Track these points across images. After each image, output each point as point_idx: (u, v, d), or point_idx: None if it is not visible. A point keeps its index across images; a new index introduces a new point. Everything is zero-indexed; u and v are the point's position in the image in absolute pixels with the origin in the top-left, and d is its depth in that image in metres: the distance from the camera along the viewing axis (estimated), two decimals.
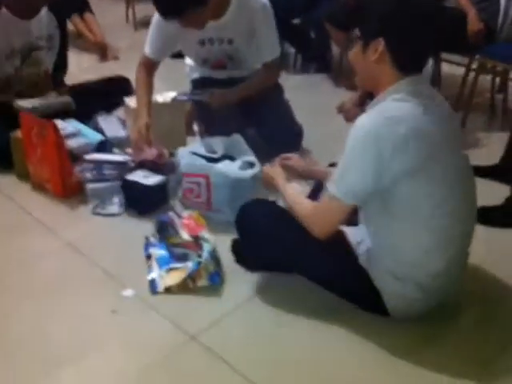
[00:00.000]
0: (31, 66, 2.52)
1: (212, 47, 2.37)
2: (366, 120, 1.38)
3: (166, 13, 2.10)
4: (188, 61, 2.65)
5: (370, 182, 1.37)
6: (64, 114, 2.39)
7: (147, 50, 2.38)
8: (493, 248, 1.91)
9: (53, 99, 2.50)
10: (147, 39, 2.39)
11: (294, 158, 1.85)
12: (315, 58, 3.82)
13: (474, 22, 2.83)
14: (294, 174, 1.81)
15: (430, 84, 1.55)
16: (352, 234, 1.56)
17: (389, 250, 1.47)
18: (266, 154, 2.33)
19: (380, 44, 1.38)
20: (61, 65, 2.69)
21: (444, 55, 3.39)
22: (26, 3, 2.43)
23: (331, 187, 1.42)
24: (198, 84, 2.58)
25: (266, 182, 1.76)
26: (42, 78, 2.57)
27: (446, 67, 3.51)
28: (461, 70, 3.17)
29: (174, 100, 2.43)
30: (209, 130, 2.40)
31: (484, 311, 1.66)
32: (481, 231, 1.79)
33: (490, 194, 2.06)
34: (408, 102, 1.38)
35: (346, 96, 2.91)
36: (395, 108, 1.38)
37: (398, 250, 1.45)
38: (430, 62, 3.40)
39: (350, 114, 3.03)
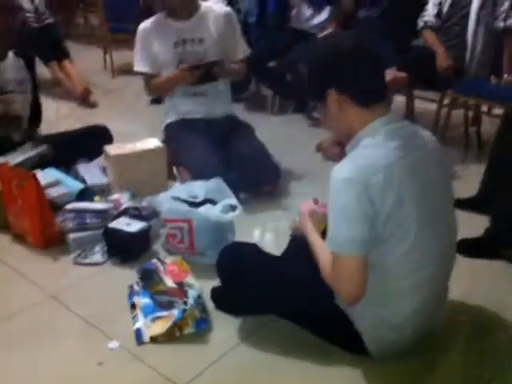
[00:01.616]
0: (2, 108, 2.53)
1: (185, 48, 2.59)
2: (340, 171, 1.37)
3: None
4: (164, 107, 2.74)
5: (362, 228, 1.34)
6: (42, 164, 2.38)
7: (143, 67, 2.62)
8: (477, 278, 1.94)
9: (30, 152, 2.48)
10: (136, 58, 2.64)
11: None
12: (292, 98, 3.90)
13: (442, 59, 2.94)
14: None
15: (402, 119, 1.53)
16: None
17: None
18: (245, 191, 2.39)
19: (332, 93, 1.42)
20: (35, 109, 2.70)
21: (417, 92, 3.49)
22: None
23: (329, 246, 1.39)
24: (175, 128, 2.65)
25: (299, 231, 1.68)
26: (14, 119, 2.58)
27: (419, 104, 3.61)
28: (434, 106, 3.27)
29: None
30: (191, 171, 2.43)
31: (471, 341, 1.67)
32: (465, 262, 1.82)
33: (470, 225, 2.09)
34: (382, 149, 1.38)
35: (324, 134, 2.99)
36: (368, 156, 1.38)
37: (369, 296, 1.41)
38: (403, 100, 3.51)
39: (328, 152, 3.12)
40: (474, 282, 1.93)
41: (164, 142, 2.60)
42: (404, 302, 1.45)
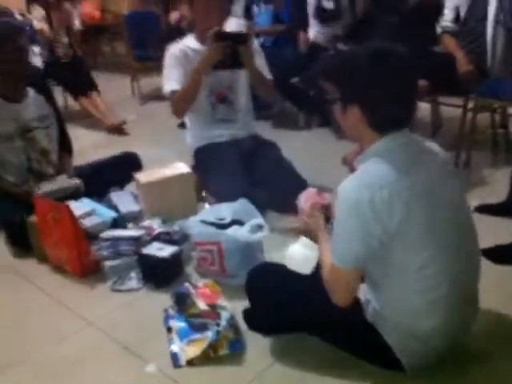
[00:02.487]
0: (27, 148, 2.62)
1: (215, 76, 2.61)
2: (346, 187, 1.39)
3: None
4: (189, 133, 2.79)
5: (360, 247, 1.39)
6: (74, 196, 2.47)
7: (172, 86, 2.58)
8: (510, 286, 1.91)
9: (62, 183, 2.58)
10: (166, 77, 2.62)
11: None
12: (316, 113, 3.93)
13: (463, 64, 2.93)
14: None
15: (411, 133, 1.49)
16: (362, 291, 1.56)
17: (386, 306, 1.48)
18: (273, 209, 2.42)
19: (355, 109, 1.41)
20: (63, 141, 2.80)
21: (441, 98, 3.48)
22: (11, 87, 2.58)
23: (330, 255, 1.45)
24: (201, 154, 2.69)
25: (306, 231, 1.74)
26: (41, 157, 2.67)
27: (445, 109, 3.60)
28: (460, 111, 3.24)
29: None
30: (216, 196, 2.47)
31: (507, 351, 1.64)
32: (496, 269, 1.79)
33: (500, 231, 2.07)
34: (388, 165, 1.38)
35: (349, 147, 3.00)
36: (375, 172, 1.38)
37: (393, 308, 1.45)
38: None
39: (353, 165, 3.13)
40: (507, 290, 1.91)
41: (193, 167, 2.67)
42: (426, 315, 1.45)
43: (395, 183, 1.35)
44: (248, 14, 4.21)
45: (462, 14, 3.08)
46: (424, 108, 3.50)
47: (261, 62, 2.70)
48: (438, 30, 3.14)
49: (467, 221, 1.53)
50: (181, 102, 2.63)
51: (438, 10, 3.22)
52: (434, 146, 1.53)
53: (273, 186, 2.50)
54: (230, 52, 2.47)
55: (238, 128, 2.73)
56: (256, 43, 2.78)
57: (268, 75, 2.73)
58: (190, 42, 2.67)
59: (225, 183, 2.44)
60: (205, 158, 2.66)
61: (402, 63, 1.39)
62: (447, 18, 3.11)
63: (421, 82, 2.88)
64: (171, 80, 2.61)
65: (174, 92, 2.60)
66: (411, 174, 1.39)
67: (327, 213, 1.70)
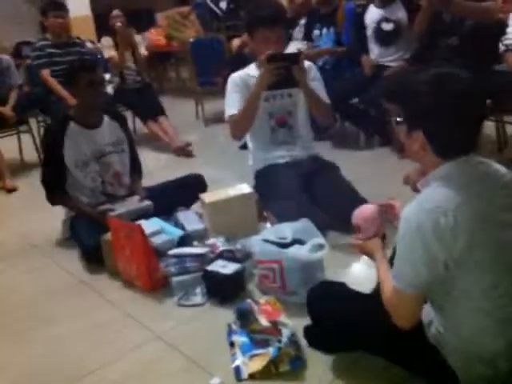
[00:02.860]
0: (101, 171, 2.80)
1: (275, 102, 2.77)
2: (409, 212, 1.39)
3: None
4: (250, 156, 2.88)
5: (424, 272, 1.38)
6: (144, 216, 2.60)
7: (232, 111, 2.70)
8: None
9: (135, 205, 2.74)
10: (228, 104, 2.74)
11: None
12: (376, 133, 3.94)
13: None
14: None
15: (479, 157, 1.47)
16: (424, 312, 1.55)
17: (451, 329, 1.47)
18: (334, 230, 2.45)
19: (420, 135, 1.40)
20: (134, 164, 2.97)
21: (507, 117, 3.41)
22: (88, 115, 2.77)
23: (392, 279, 1.45)
24: (262, 175, 2.79)
25: (363, 251, 1.76)
26: (114, 180, 2.85)
27: (511, 128, 3.52)
28: None
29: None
30: (278, 217, 2.54)
31: None
32: None
33: None
34: (452, 189, 1.37)
35: (411, 166, 2.99)
36: (438, 197, 1.37)
37: (458, 330, 1.44)
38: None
39: (415, 185, 3.11)
40: None
41: (255, 187, 2.76)
42: (493, 337, 1.43)
43: (459, 208, 1.34)
44: (308, 37, 4.30)
45: None
46: (489, 126, 3.44)
47: (319, 87, 2.77)
48: (502, 47, 3.09)
49: None
50: (239, 125, 2.73)
51: (501, 28, 3.18)
52: (501, 168, 1.50)
53: (332, 207, 2.54)
54: (283, 72, 2.55)
55: (298, 150, 2.82)
56: (314, 69, 2.84)
57: (326, 99, 2.78)
58: (251, 70, 2.78)
59: (286, 204, 2.51)
60: (266, 180, 2.75)
61: (466, 88, 1.37)
62: (510, 36, 3.06)
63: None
64: (231, 106, 2.72)
65: (233, 116, 2.71)
66: (475, 198, 1.38)
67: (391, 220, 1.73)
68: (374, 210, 1.82)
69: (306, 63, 2.76)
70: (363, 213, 1.80)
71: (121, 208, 2.67)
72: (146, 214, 2.62)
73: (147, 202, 2.76)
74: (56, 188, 2.78)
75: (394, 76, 3.45)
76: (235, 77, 2.79)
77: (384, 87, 3.38)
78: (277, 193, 2.60)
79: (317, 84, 2.78)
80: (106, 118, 2.85)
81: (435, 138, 1.40)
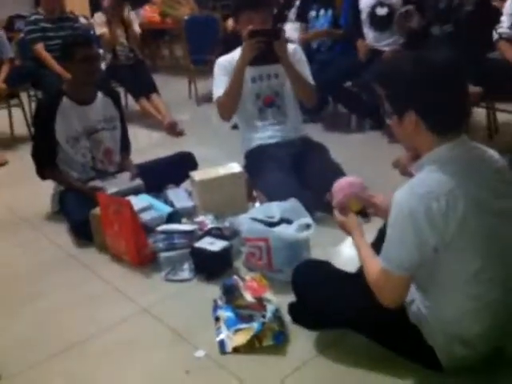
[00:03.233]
0: (92, 147, 2.81)
1: (262, 83, 2.81)
2: (401, 196, 1.41)
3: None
4: (241, 137, 2.91)
5: (415, 254, 1.40)
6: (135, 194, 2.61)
7: (219, 92, 2.73)
8: None
9: (126, 184, 2.73)
10: (216, 86, 2.77)
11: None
12: (368, 117, 3.96)
13: None
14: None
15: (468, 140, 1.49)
16: None
17: (434, 309, 1.50)
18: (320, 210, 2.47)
19: (412, 115, 1.42)
20: (124, 142, 2.97)
21: (498, 105, 3.44)
22: (82, 90, 2.76)
23: (381, 259, 1.47)
24: (252, 155, 2.81)
25: (342, 228, 1.77)
26: (104, 157, 2.86)
27: (502, 116, 3.55)
28: None
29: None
30: (267, 196, 2.56)
31: None
32: None
33: None
34: (445, 174, 1.39)
35: (401, 150, 3.02)
36: (431, 181, 1.39)
37: (441, 311, 1.48)
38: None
39: (405, 169, 3.14)
40: None
41: (245, 167, 2.78)
42: (476, 320, 1.47)
43: (452, 193, 1.36)
44: (302, 18, 4.27)
45: None
46: (480, 112, 3.47)
47: (303, 69, 2.79)
48: (495, 36, 3.10)
49: None
50: (225, 104, 2.75)
51: (496, 16, 3.19)
52: (493, 153, 1.52)
53: (320, 188, 2.55)
54: (264, 46, 2.59)
55: (287, 130, 2.83)
56: (300, 51, 2.88)
57: (310, 81, 2.80)
58: (237, 53, 2.78)
59: (276, 184, 2.54)
60: (256, 159, 2.77)
61: (444, 61, 1.42)
62: (504, 25, 3.08)
63: (474, 89, 2.88)
64: (218, 87, 2.76)
65: (220, 98, 2.74)
66: (468, 183, 1.40)
67: (363, 204, 1.74)
68: (350, 180, 1.82)
69: (291, 46, 2.80)
70: (339, 181, 1.82)
71: (112, 187, 2.67)
72: (136, 194, 2.61)
73: (138, 181, 2.77)
74: (46, 162, 2.78)
75: (387, 60, 3.44)
76: (222, 60, 2.84)
77: (375, 72, 3.39)
78: (266, 172, 2.63)
79: (301, 65, 2.81)
80: (99, 94, 2.84)
81: (426, 112, 1.42)
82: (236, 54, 2.79)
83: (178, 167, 2.90)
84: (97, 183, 2.75)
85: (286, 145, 2.79)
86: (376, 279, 1.50)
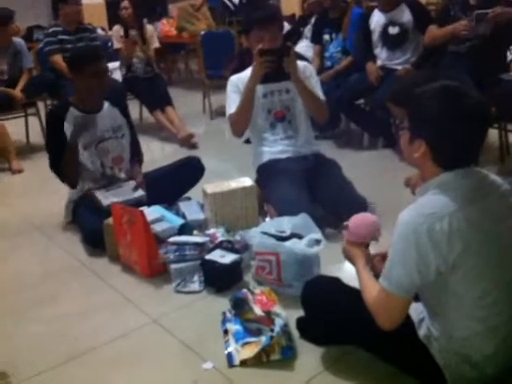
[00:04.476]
0: (101, 156, 2.84)
1: (273, 98, 2.84)
2: (406, 217, 1.41)
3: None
4: (253, 152, 2.95)
5: (416, 276, 1.41)
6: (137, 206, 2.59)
7: (231, 110, 2.78)
8: None
9: (128, 196, 2.76)
10: (228, 103, 2.82)
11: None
12: (381, 135, 3.98)
13: None
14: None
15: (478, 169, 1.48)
16: (415, 309, 1.59)
17: (442, 331, 1.50)
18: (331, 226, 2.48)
19: (422, 145, 1.42)
20: (134, 150, 3.01)
21: (510, 126, 3.44)
22: (89, 101, 2.80)
23: (382, 280, 1.48)
24: (264, 169, 2.84)
25: (347, 257, 1.79)
26: (114, 165, 2.89)
27: None
28: None
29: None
30: (278, 210, 2.58)
31: None
32: None
33: None
34: (448, 197, 1.40)
35: (413, 169, 3.03)
36: (435, 203, 1.40)
37: (449, 333, 1.48)
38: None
39: (417, 187, 3.14)
40: None
41: (256, 181, 2.80)
42: (484, 342, 1.47)
43: (454, 215, 1.37)
44: (316, 39, 4.32)
45: None
46: (492, 134, 3.47)
47: (313, 84, 2.83)
48: (509, 57, 3.12)
49: None
50: (237, 121, 2.80)
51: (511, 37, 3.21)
52: (497, 179, 1.53)
53: (331, 205, 2.60)
54: (274, 65, 2.64)
55: (299, 145, 2.86)
56: (311, 68, 2.93)
57: (321, 96, 2.84)
58: (249, 71, 2.81)
59: (287, 199, 2.55)
60: (268, 173, 2.79)
61: (475, 106, 1.39)
62: None
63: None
64: (231, 105, 2.80)
65: (232, 115, 2.79)
66: (471, 206, 1.40)
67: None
68: (369, 221, 1.81)
69: (301, 63, 2.84)
70: (358, 218, 1.83)
71: (113, 198, 2.69)
72: (139, 205, 2.61)
73: (140, 193, 2.80)
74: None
75: (402, 79, 3.46)
76: (234, 78, 2.88)
77: (392, 91, 3.41)
78: (278, 187, 2.65)
79: (312, 81, 2.84)
80: (106, 104, 2.89)
81: (438, 149, 1.42)
82: (248, 71, 2.82)
83: (186, 172, 2.96)
84: (101, 193, 2.77)
85: (298, 160, 2.81)
86: (375, 300, 1.51)
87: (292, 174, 2.70)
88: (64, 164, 2.75)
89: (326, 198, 2.62)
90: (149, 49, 4.77)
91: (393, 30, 3.79)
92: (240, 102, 2.74)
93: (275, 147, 2.85)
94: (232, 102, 2.80)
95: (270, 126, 2.87)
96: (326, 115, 2.89)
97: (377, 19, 3.87)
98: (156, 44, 4.88)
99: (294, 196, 2.56)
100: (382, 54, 3.88)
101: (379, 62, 3.89)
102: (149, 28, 4.94)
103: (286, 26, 5.19)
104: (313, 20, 4.58)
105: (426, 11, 4.13)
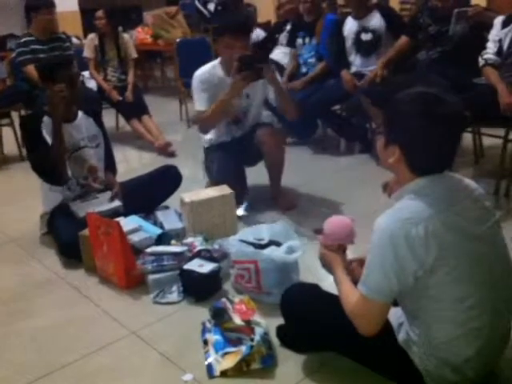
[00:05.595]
0: (76, 165, 2.79)
1: (234, 102, 2.90)
2: (382, 222, 1.42)
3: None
4: (205, 138, 3.15)
5: (394, 280, 1.41)
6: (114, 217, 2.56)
7: (201, 106, 2.89)
8: None
9: (105, 206, 2.72)
10: (196, 100, 2.93)
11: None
12: (357, 140, 4.00)
13: (504, 96, 2.94)
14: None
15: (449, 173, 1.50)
16: (394, 314, 1.60)
17: (421, 335, 1.51)
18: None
19: (396, 150, 1.44)
20: (108, 159, 2.98)
21: (483, 129, 3.50)
22: (64, 109, 2.73)
23: (360, 286, 1.48)
24: (209, 152, 3.12)
25: (324, 263, 1.78)
26: (89, 174, 2.85)
27: (487, 140, 3.61)
28: (501, 141, 3.25)
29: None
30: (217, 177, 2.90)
31: None
32: None
33: None
34: (424, 202, 1.40)
35: (390, 174, 3.06)
36: (411, 208, 1.41)
37: (429, 337, 1.48)
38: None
39: (394, 192, 3.17)
40: None
41: (204, 164, 3.11)
42: (464, 345, 1.47)
43: (430, 219, 1.38)
44: (291, 44, 4.34)
45: (505, 46, 3.11)
46: (466, 137, 3.52)
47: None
48: (481, 61, 3.17)
49: (504, 255, 1.54)
50: (207, 123, 2.94)
51: (483, 42, 3.26)
52: (471, 183, 1.55)
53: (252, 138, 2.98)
54: (255, 78, 2.73)
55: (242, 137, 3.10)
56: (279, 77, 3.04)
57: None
58: (215, 69, 2.95)
59: (220, 170, 2.88)
60: (210, 155, 3.08)
61: (453, 113, 1.40)
62: (490, 51, 3.14)
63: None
64: (199, 102, 2.90)
65: (200, 112, 2.90)
66: (446, 211, 1.42)
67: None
68: (344, 223, 1.81)
69: None
70: (334, 222, 1.83)
71: (89, 209, 2.63)
72: (115, 215, 2.59)
73: (117, 203, 2.77)
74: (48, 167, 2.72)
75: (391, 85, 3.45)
76: (200, 76, 2.97)
77: (372, 91, 3.46)
78: (214, 164, 2.94)
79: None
80: (80, 114, 2.86)
81: (412, 155, 1.44)
82: (211, 66, 2.96)
83: (163, 181, 2.96)
84: (76, 204, 2.73)
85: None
86: (354, 306, 1.51)
87: (228, 148, 3.01)
88: (54, 155, 2.67)
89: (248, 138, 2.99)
90: (127, 58, 4.74)
91: (365, 37, 3.83)
92: (215, 109, 2.83)
93: (222, 139, 3.09)
94: (200, 99, 2.90)
95: (226, 126, 3.05)
96: (298, 112, 3.03)
97: (349, 26, 3.91)
98: (134, 54, 4.85)
99: (224, 166, 2.89)
100: (355, 60, 3.91)
101: (353, 69, 3.91)
102: (125, 37, 4.90)
103: (262, 33, 5.22)
104: (288, 26, 4.60)
105: (398, 16, 4.20)
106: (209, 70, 2.96)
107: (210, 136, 3.09)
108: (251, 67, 2.68)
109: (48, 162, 2.68)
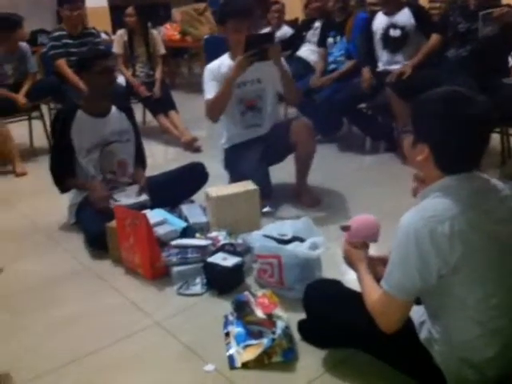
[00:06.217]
0: (105, 159, 2.87)
1: (246, 88, 3.03)
2: (408, 219, 1.42)
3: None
4: (222, 136, 3.23)
5: (417, 278, 1.41)
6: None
7: (211, 95, 2.94)
8: None
9: (132, 200, 2.77)
10: (206, 90, 2.98)
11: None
12: (383, 138, 3.99)
13: None
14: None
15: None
16: (416, 312, 1.60)
17: (444, 334, 1.51)
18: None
19: (425, 149, 1.44)
20: (138, 155, 3.04)
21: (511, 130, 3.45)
22: (97, 103, 2.84)
23: (383, 283, 1.48)
24: (229, 153, 3.16)
25: (348, 260, 1.79)
26: (118, 169, 2.93)
27: None
28: None
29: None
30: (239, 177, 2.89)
31: None
32: None
33: None
34: (450, 200, 1.40)
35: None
36: (437, 206, 1.41)
37: (450, 336, 1.48)
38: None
39: (418, 191, 3.15)
40: None
41: (224, 164, 3.16)
42: (485, 345, 1.47)
43: (456, 218, 1.38)
44: (322, 43, 4.34)
45: None
46: (494, 138, 3.48)
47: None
48: (511, 61, 3.13)
49: None
50: (214, 107, 2.97)
51: None
52: (498, 183, 1.54)
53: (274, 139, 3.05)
54: (260, 57, 2.78)
55: (263, 130, 3.11)
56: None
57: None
58: (224, 59, 3.03)
59: (242, 172, 2.90)
60: (232, 156, 3.11)
61: (481, 113, 1.39)
62: None
63: None
64: (209, 91, 2.95)
65: (209, 101, 2.94)
66: (473, 210, 1.41)
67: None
68: (370, 222, 1.82)
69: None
70: (360, 220, 1.84)
71: (118, 202, 2.70)
72: (143, 209, 2.62)
73: (145, 197, 2.81)
74: (63, 175, 2.84)
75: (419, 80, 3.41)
76: (210, 67, 3.04)
77: (396, 86, 3.44)
78: (238, 164, 2.98)
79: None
80: (113, 109, 2.92)
81: (440, 154, 1.44)
82: (223, 59, 3.01)
83: (190, 178, 2.98)
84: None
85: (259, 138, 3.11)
86: (376, 303, 1.51)
87: (249, 149, 3.03)
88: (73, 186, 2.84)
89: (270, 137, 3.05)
90: (155, 54, 4.80)
91: (394, 33, 3.80)
92: (219, 91, 2.89)
93: (242, 134, 3.11)
94: (209, 88, 2.96)
95: (241, 115, 3.08)
96: (301, 97, 3.13)
97: (379, 21, 3.89)
98: (162, 51, 4.90)
99: (247, 168, 2.90)
100: (382, 56, 3.89)
101: (380, 65, 3.89)
102: (154, 33, 4.96)
103: (289, 30, 5.23)
104: (317, 24, 4.60)
105: (428, 14, 4.15)
106: (219, 61, 3.04)
107: (226, 133, 3.16)
108: (257, 47, 2.74)
109: (55, 170, 2.83)
